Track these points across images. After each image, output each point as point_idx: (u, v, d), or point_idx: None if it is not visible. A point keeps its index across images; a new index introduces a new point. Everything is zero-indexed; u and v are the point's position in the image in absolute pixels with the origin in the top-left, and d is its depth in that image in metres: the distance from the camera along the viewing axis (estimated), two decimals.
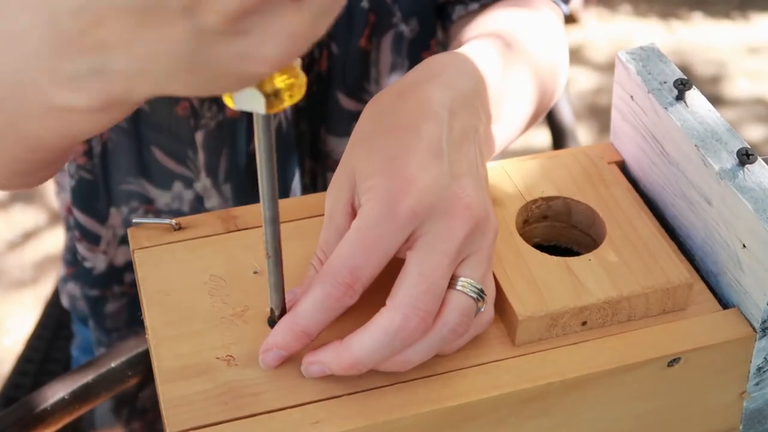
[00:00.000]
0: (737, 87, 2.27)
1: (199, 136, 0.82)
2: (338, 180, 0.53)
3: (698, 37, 2.44)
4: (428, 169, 0.50)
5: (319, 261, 0.53)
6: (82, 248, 0.90)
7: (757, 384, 0.56)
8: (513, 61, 0.65)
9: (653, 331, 0.53)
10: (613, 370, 0.52)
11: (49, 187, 1.90)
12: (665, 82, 0.59)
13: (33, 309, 1.76)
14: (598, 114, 2.23)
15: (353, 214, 0.52)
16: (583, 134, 2.14)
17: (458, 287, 0.50)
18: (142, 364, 0.82)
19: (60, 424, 0.80)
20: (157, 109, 0.82)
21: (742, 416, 0.57)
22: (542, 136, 1.98)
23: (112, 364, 0.81)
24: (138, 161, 0.85)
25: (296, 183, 0.86)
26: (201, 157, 0.83)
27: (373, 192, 0.49)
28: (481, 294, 0.50)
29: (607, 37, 2.45)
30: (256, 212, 0.59)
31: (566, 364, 0.52)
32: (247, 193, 0.85)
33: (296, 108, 0.83)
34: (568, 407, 0.52)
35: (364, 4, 0.79)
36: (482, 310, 0.51)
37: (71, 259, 0.96)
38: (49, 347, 1.14)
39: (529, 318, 0.52)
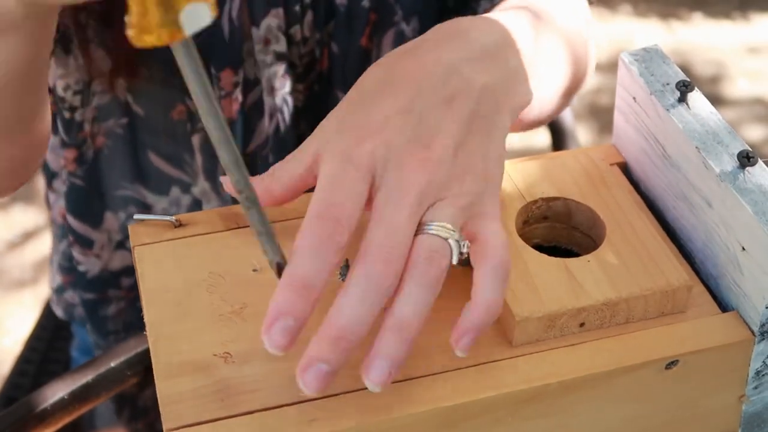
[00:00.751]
0: (737, 87, 2.28)
1: (195, 140, 0.84)
2: (303, 146, 0.55)
3: (698, 37, 2.45)
4: (389, 125, 0.52)
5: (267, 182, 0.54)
6: (76, 252, 0.91)
7: (755, 387, 0.57)
8: (543, 29, 0.65)
9: (651, 334, 0.54)
10: (611, 372, 0.53)
11: None
12: (668, 84, 0.60)
13: (33, 309, 1.78)
14: (598, 114, 2.24)
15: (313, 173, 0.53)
16: (582, 134, 2.16)
17: (423, 232, 0.50)
18: (142, 364, 0.83)
19: (60, 424, 0.81)
20: (152, 114, 0.83)
21: (741, 420, 0.58)
22: (542, 137, 2.00)
23: (112, 364, 0.82)
24: (134, 167, 0.87)
25: None
26: (199, 160, 0.85)
27: (330, 145, 0.52)
28: (450, 231, 0.50)
29: (607, 37, 2.47)
30: None
31: (563, 366, 0.53)
32: None
33: (296, 109, 0.85)
34: (565, 408, 0.53)
35: (365, 3, 0.80)
36: (464, 250, 0.50)
37: (68, 266, 0.97)
38: (48, 347, 1.15)
39: (527, 319, 0.53)
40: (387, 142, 0.52)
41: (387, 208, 0.50)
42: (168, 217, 0.59)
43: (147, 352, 0.80)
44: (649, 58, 0.62)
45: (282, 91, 0.82)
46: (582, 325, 0.54)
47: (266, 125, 0.84)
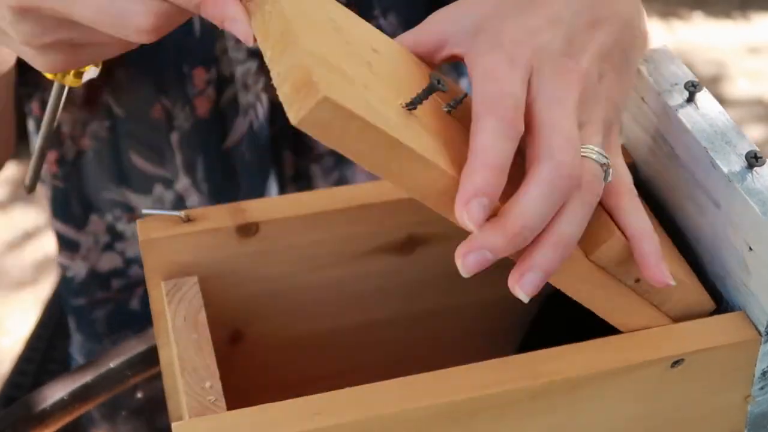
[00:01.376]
0: (737, 87, 2.30)
1: (174, 137, 0.85)
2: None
3: (698, 37, 2.46)
4: (542, 32, 0.52)
5: None
6: (62, 258, 0.92)
7: (762, 388, 0.57)
8: None
9: (657, 332, 0.55)
10: (616, 370, 0.54)
11: None
12: (676, 84, 0.61)
13: (33, 309, 1.79)
14: None
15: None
16: None
17: (583, 153, 0.50)
18: (142, 364, 0.84)
19: (60, 424, 0.82)
20: (132, 113, 0.85)
21: (747, 420, 0.58)
22: None
23: (112, 364, 0.83)
24: (117, 169, 0.88)
25: (271, 181, 0.88)
26: (178, 157, 0.86)
27: (490, 36, 0.51)
28: (604, 158, 0.50)
29: None
30: (263, 207, 0.62)
31: (569, 363, 0.54)
32: (225, 191, 0.88)
33: (271, 106, 0.86)
34: (570, 406, 0.54)
35: None
36: (609, 180, 0.51)
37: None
38: (48, 347, 1.16)
39: None
40: (542, 49, 0.51)
41: (555, 114, 0.49)
42: (176, 213, 0.60)
43: (147, 352, 0.81)
44: (657, 58, 0.63)
45: (255, 88, 0.84)
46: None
47: (242, 122, 0.85)
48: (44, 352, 1.15)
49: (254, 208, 0.61)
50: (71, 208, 0.90)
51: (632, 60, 0.56)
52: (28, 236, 2.00)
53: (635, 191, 0.54)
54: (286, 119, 0.86)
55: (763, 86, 2.33)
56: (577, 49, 0.53)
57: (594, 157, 0.50)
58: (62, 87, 0.60)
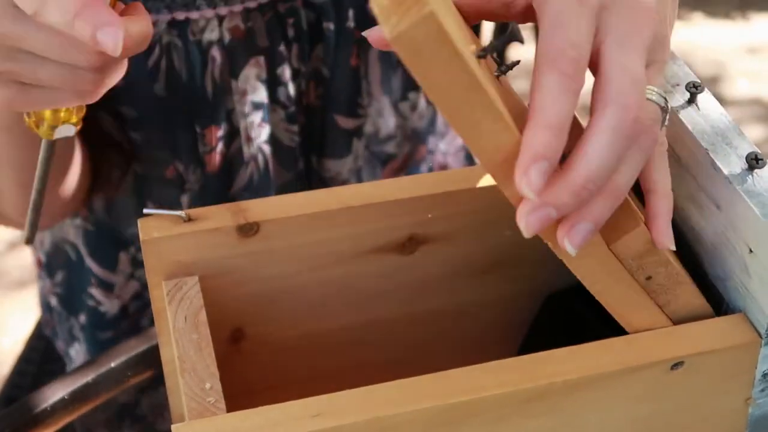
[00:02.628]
0: (737, 87, 2.31)
1: (184, 199, 0.87)
2: None
3: (698, 37, 2.47)
4: None
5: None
6: (98, 294, 0.93)
7: (762, 390, 0.58)
8: None
9: (657, 334, 0.56)
10: (616, 372, 0.54)
11: None
12: (677, 85, 0.62)
13: (33, 309, 1.79)
14: None
15: None
16: None
17: (647, 96, 0.49)
18: (142, 365, 0.85)
19: (60, 424, 0.82)
20: (150, 173, 0.87)
21: (748, 423, 0.59)
22: None
23: (112, 364, 0.83)
24: (139, 213, 0.89)
25: None
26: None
27: None
28: (665, 101, 0.50)
29: None
30: (264, 206, 0.62)
31: (569, 365, 0.54)
32: None
33: (285, 151, 0.87)
34: (570, 408, 0.55)
35: (350, 23, 0.83)
36: (666, 124, 0.51)
37: (91, 308, 0.99)
38: (48, 347, 1.17)
39: None
40: None
41: (624, 56, 0.48)
42: (177, 212, 0.61)
43: (147, 352, 0.82)
44: None
45: (258, 140, 0.85)
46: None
47: (244, 172, 0.87)
48: (44, 353, 1.15)
49: (255, 208, 0.62)
50: (103, 249, 0.92)
51: (671, 11, 0.55)
52: None
53: (666, 145, 0.53)
54: (305, 160, 0.88)
55: (763, 86, 2.34)
56: None
57: (654, 98, 0.49)
58: (49, 143, 0.64)
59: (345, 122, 0.88)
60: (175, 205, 0.88)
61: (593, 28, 0.48)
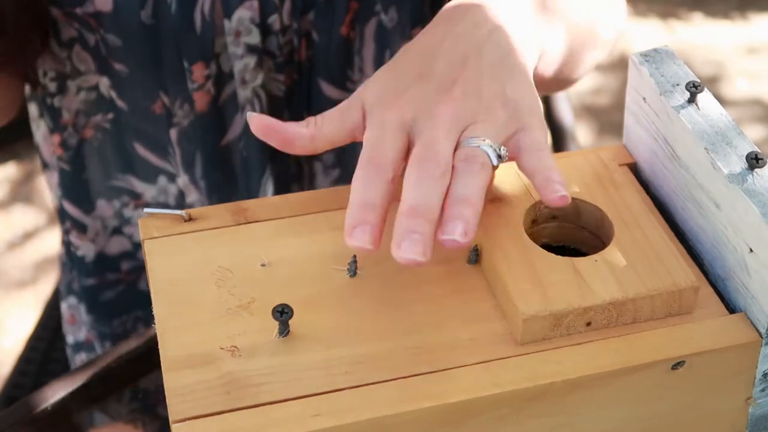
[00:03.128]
0: (736, 87, 2.32)
1: (173, 134, 0.87)
2: (348, 104, 0.62)
3: (698, 37, 2.48)
4: (411, 88, 0.60)
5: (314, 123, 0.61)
6: (73, 237, 0.96)
7: (763, 390, 0.58)
8: None
9: (658, 334, 0.56)
10: (616, 372, 0.54)
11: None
12: (677, 85, 0.62)
13: (33, 309, 1.80)
14: (597, 114, 2.27)
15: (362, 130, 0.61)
16: (582, 135, 2.18)
17: (460, 146, 0.58)
18: (143, 365, 0.85)
19: (60, 424, 0.83)
20: (135, 108, 0.87)
21: (748, 422, 0.59)
22: None
23: (112, 364, 0.84)
24: (123, 157, 0.91)
25: (266, 177, 0.89)
26: (177, 154, 0.88)
27: (370, 116, 0.60)
28: (482, 140, 0.58)
29: None
30: (265, 205, 0.63)
31: (569, 364, 0.54)
32: (222, 189, 0.90)
33: (276, 99, 0.87)
34: (570, 407, 0.55)
35: None
36: (502, 153, 0.58)
37: (66, 252, 1.01)
38: (49, 347, 1.17)
39: (533, 317, 0.55)
40: (412, 101, 0.60)
41: (423, 134, 0.58)
42: (178, 212, 0.61)
43: (147, 352, 0.82)
44: (659, 58, 0.64)
45: (253, 83, 0.85)
46: (589, 324, 0.56)
47: (240, 118, 0.87)
48: (44, 353, 1.16)
49: (255, 208, 0.62)
50: (78, 192, 0.93)
51: (516, 64, 0.62)
52: (28, 236, 2.01)
53: (547, 146, 0.60)
54: (289, 113, 0.89)
55: (762, 86, 2.34)
56: (447, 85, 0.60)
57: (468, 144, 0.58)
58: None
59: (332, 92, 0.88)
60: (165, 142, 0.89)
61: (402, 142, 0.59)
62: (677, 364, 0.55)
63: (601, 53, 0.85)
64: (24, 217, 2.05)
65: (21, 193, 2.08)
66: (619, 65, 2.38)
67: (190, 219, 0.61)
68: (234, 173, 0.89)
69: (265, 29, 0.83)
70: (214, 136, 0.87)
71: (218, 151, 0.88)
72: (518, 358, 0.55)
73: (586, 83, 2.34)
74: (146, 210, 0.61)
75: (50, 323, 1.18)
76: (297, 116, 0.89)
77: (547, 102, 1.17)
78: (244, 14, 0.82)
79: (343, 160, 0.92)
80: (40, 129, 0.93)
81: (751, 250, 0.56)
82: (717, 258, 0.59)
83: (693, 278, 0.57)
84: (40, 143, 0.95)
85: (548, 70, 0.74)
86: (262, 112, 0.86)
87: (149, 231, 0.61)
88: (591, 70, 0.86)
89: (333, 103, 0.88)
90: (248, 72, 0.84)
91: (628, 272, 0.57)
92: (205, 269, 0.59)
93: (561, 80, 0.82)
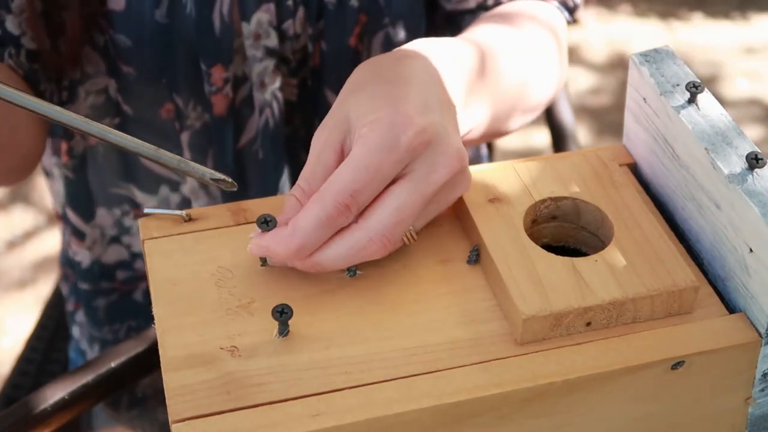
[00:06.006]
0: (736, 87, 2.32)
1: (184, 137, 0.87)
2: (327, 125, 0.59)
3: (697, 37, 2.49)
4: (426, 114, 0.58)
5: (302, 191, 0.58)
6: (73, 244, 0.96)
7: (762, 390, 0.58)
8: (498, 56, 0.74)
9: (658, 334, 0.56)
10: (616, 372, 0.55)
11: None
12: (678, 85, 0.62)
13: (33, 309, 1.80)
14: (597, 115, 2.27)
15: (341, 154, 0.58)
16: (582, 135, 2.18)
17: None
18: (143, 365, 0.85)
19: (60, 424, 0.83)
20: (142, 113, 0.87)
21: (748, 422, 0.59)
22: (542, 137, 2.03)
23: (112, 364, 0.84)
24: (124, 166, 0.91)
25: (284, 180, 0.89)
26: (187, 158, 0.87)
27: (378, 124, 0.56)
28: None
29: (606, 37, 2.50)
30: (265, 205, 0.63)
31: (569, 364, 0.55)
32: (234, 192, 0.89)
33: (289, 103, 0.87)
34: (570, 407, 0.55)
35: (353, 2, 0.83)
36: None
37: (64, 253, 1.01)
38: (48, 348, 1.17)
39: (533, 317, 0.55)
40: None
41: (411, 196, 0.58)
42: (178, 212, 0.61)
43: (147, 352, 0.82)
44: (659, 58, 0.64)
45: (272, 86, 0.85)
46: (588, 324, 0.56)
47: (256, 121, 0.87)
48: (44, 353, 1.16)
49: (255, 208, 0.63)
50: (81, 199, 0.93)
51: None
52: (28, 236, 2.01)
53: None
54: (301, 118, 0.89)
55: (762, 86, 2.35)
56: (448, 129, 0.59)
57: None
58: None
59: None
60: (171, 149, 0.88)
61: (397, 169, 0.57)
62: (677, 364, 0.55)
63: (529, 117, 0.85)
64: (24, 217, 2.05)
65: (21, 193, 2.09)
66: (619, 65, 2.39)
67: (190, 219, 0.62)
68: (246, 178, 0.89)
69: (281, 33, 0.83)
70: (229, 140, 0.87)
71: (233, 153, 0.88)
72: (518, 358, 0.55)
73: (586, 83, 2.35)
74: (147, 210, 0.61)
75: (50, 323, 1.18)
76: (308, 122, 0.89)
77: None
78: (262, 17, 0.82)
79: None
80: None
81: (751, 250, 0.56)
82: (717, 258, 0.60)
83: (693, 278, 0.57)
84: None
85: (472, 137, 0.73)
86: (278, 115, 0.86)
87: (149, 231, 0.61)
88: (520, 129, 0.86)
89: None
90: (267, 75, 0.84)
91: (627, 272, 0.57)
92: (205, 269, 0.59)
93: (487, 139, 0.83)
